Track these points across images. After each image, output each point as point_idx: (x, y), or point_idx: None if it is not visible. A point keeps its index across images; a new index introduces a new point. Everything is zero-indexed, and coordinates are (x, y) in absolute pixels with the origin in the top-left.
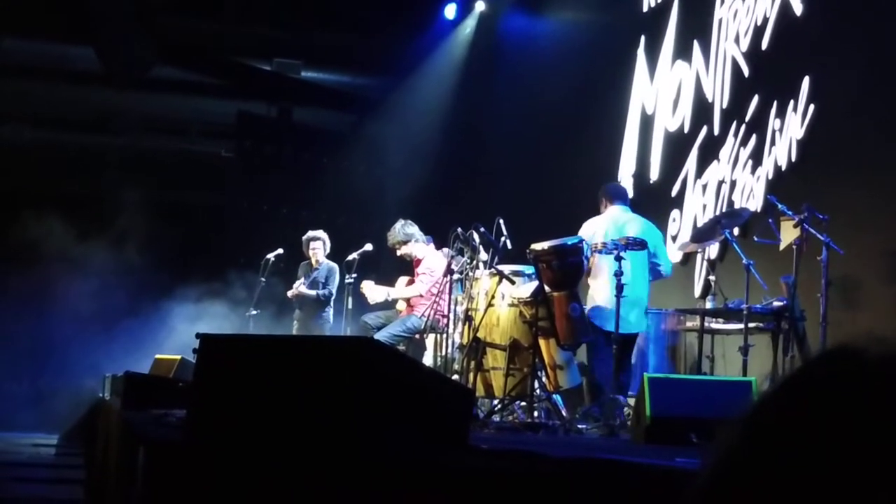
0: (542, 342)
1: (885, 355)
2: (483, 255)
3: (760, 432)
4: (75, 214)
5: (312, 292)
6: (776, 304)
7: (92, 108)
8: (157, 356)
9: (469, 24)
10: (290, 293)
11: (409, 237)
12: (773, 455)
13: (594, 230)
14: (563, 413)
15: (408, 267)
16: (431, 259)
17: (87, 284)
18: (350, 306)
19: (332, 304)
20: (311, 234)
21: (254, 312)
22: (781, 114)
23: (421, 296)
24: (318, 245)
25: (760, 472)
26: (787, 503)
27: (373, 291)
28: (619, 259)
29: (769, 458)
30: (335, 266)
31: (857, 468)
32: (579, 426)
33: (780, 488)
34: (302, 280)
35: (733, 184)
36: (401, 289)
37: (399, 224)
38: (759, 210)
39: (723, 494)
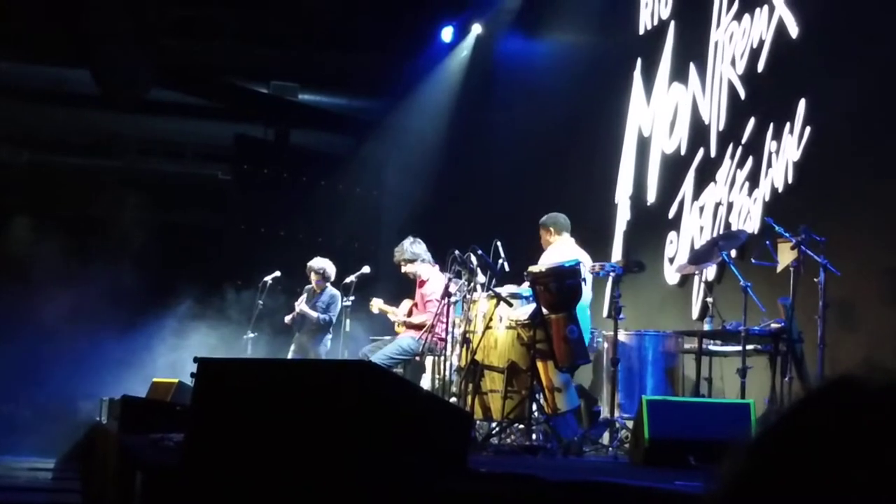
0: (539, 365)
1: (886, 385)
2: (481, 278)
3: (764, 462)
4: (72, 237)
5: (314, 314)
6: (774, 325)
7: (89, 131)
8: (155, 379)
9: (466, 47)
10: (287, 318)
11: (416, 256)
12: (778, 485)
13: (569, 258)
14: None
15: (409, 288)
16: (436, 282)
17: (84, 307)
18: (348, 329)
19: (331, 330)
20: (310, 263)
21: (251, 335)
22: (778, 136)
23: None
24: (317, 277)
25: (765, 502)
26: None
27: (382, 308)
28: (617, 282)
29: (774, 488)
30: (337, 294)
31: (861, 499)
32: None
33: None
34: (304, 298)
35: (730, 206)
36: (412, 318)
37: (407, 242)
38: (756, 232)
39: None
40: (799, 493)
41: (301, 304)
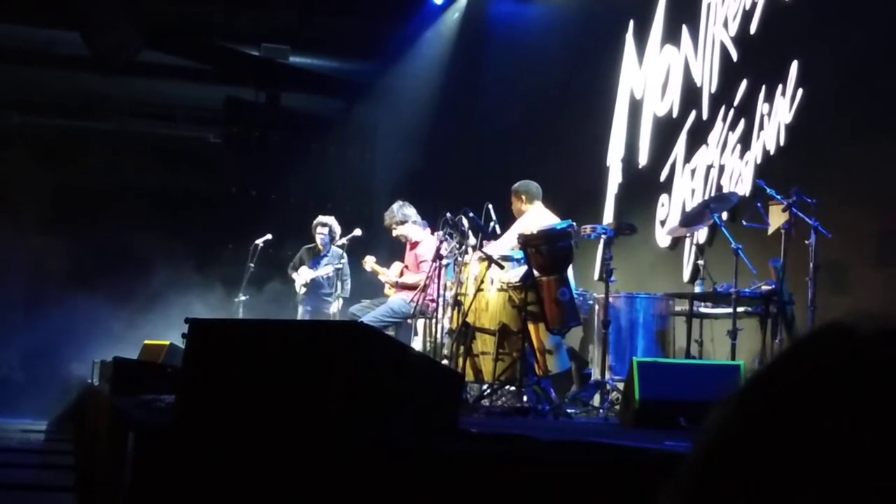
0: (531, 327)
1: (877, 330)
2: (472, 240)
3: (753, 410)
4: (61, 199)
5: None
6: (765, 287)
7: (79, 93)
8: (146, 342)
9: (457, 9)
10: (301, 282)
11: (406, 218)
12: (766, 433)
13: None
14: (553, 397)
15: (400, 251)
16: (429, 243)
17: (76, 270)
18: (339, 291)
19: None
20: (319, 218)
21: (242, 298)
22: (770, 98)
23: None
24: (325, 231)
25: (753, 450)
26: (780, 482)
27: (375, 267)
28: (608, 244)
29: (762, 435)
30: (343, 252)
31: (852, 444)
32: (568, 410)
33: (774, 466)
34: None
35: (722, 168)
36: (405, 277)
37: (397, 205)
38: (747, 194)
39: (714, 473)
40: (789, 442)
41: (319, 270)
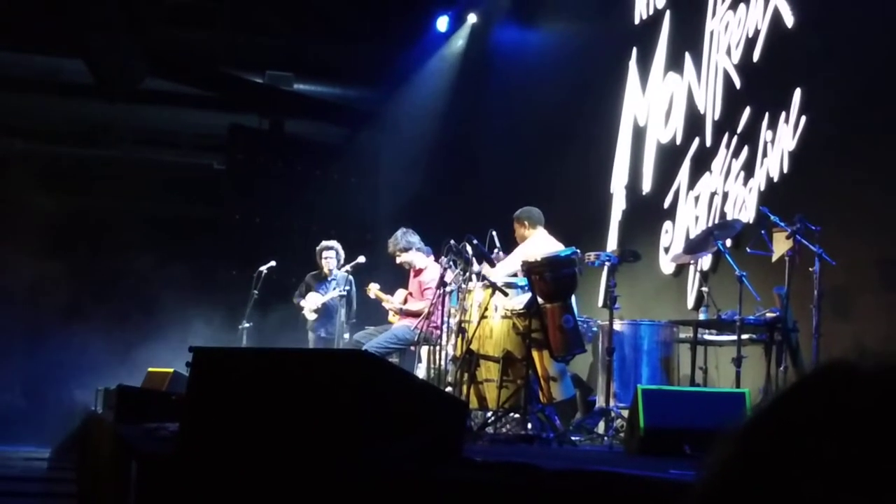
0: (535, 354)
1: (877, 369)
2: (476, 267)
3: (755, 447)
4: (65, 226)
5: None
6: (769, 315)
7: (83, 120)
8: (150, 369)
9: (461, 37)
10: (311, 308)
11: (410, 245)
12: (769, 470)
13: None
14: (557, 425)
15: (404, 277)
16: (433, 270)
17: (79, 296)
18: (342, 318)
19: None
20: (324, 243)
21: (246, 325)
22: (773, 125)
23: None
24: (331, 254)
25: (756, 486)
26: None
27: (379, 294)
28: (612, 271)
29: (764, 472)
30: (350, 276)
31: (852, 483)
32: (573, 438)
33: (776, 502)
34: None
35: (725, 195)
36: (409, 304)
37: (400, 232)
38: (751, 221)
39: None
40: (791, 479)
41: (328, 294)
